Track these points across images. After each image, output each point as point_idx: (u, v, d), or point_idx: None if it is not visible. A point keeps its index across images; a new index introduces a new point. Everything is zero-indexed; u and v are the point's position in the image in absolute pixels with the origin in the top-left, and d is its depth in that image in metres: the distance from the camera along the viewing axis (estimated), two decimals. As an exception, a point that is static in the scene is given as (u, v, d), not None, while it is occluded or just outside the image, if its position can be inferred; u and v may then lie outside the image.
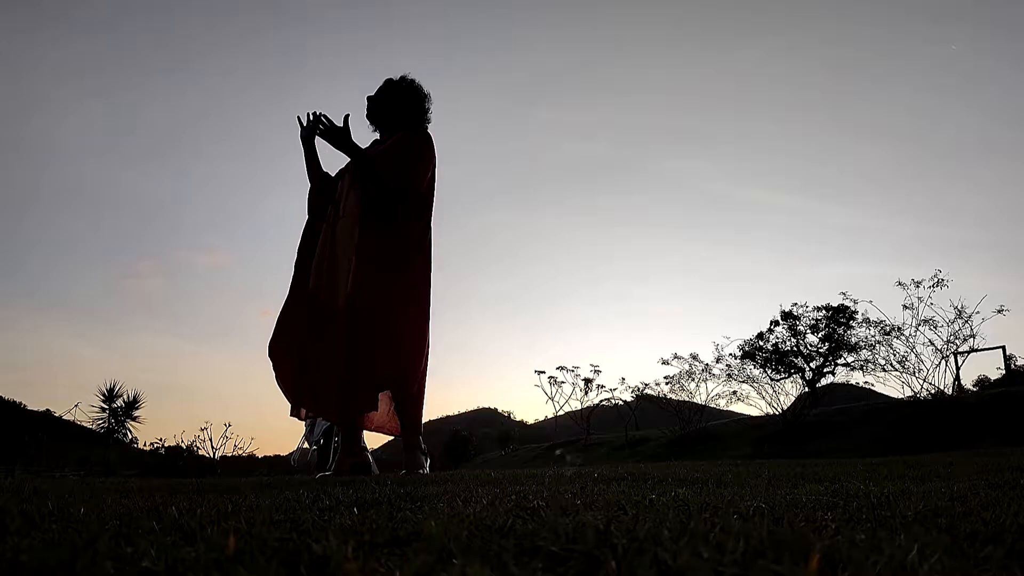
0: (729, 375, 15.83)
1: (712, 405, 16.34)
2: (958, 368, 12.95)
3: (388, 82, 3.41)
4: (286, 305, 3.30)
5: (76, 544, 0.78)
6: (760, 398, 16.90)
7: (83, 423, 23.07)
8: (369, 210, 3.17)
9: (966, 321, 12.56)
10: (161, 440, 18.76)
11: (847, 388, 15.59)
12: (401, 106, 3.36)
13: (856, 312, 14.07)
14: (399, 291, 3.16)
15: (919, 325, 12.98)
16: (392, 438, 3.40)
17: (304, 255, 3.36)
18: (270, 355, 3.25)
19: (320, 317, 3.14)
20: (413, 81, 3.39)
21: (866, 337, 13.94)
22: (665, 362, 16.86)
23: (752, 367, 15.24)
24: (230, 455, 17.28)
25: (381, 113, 3.39)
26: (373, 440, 3.29)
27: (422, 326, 3.21)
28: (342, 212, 3.24)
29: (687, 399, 16.42)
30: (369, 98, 3.42)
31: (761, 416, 15.49)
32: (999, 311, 12.30)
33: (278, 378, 3.23)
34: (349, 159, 3.28)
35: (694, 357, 16.48)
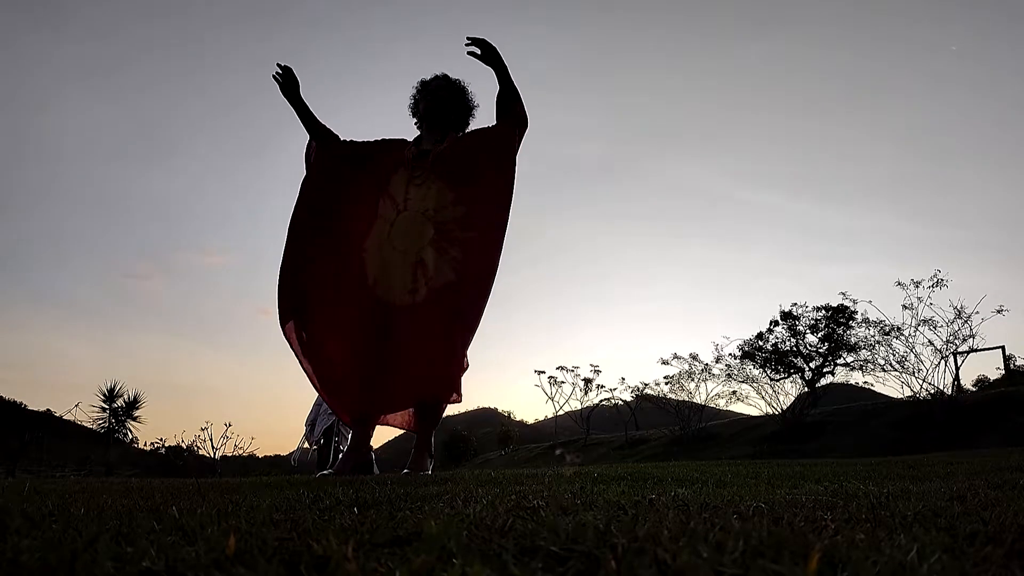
0: (729, 375, 15.87)
1: (712, 405, 16.37)
2: (958, 368, 12.97)
3: (448, 80, 3.29)
4: (327, 302, 3.08)
5: (76, 544, 0.78)
6: (760, 398, 16.95)
7: (83, 423, 23.12)
8: (474, 210, 3.06)
9: (966, 321, 12.58)
10: (161, 440, 18.77)
11: (847, 388, 15.62)
12: (462, 110, 3.28)
13: (856, 312, 14.13)
14: (485, 292, 3.07)
15: (919, 325, 13.01)
16: (388, 440, 3.36)
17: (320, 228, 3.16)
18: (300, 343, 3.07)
19: (383, 313, 3.00)
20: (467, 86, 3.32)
21: (866, 337, 13.99)
22: (665, 362, 16.90)
23: (752, 367, 15.29)
24: (230, 455, 17.26)
25: (447, 110, 3.25)
26: (373, 440, 3.27)
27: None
28: (404, 206, 3.07)
29: (687, 399, 16.45)
30: (438, 90, 3.26)
31: (761, 416, 15.52)
32: (999, 311, 12.33)
33: (333, 386, 3.07)
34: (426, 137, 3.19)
35: (694, 357, 16.51)
